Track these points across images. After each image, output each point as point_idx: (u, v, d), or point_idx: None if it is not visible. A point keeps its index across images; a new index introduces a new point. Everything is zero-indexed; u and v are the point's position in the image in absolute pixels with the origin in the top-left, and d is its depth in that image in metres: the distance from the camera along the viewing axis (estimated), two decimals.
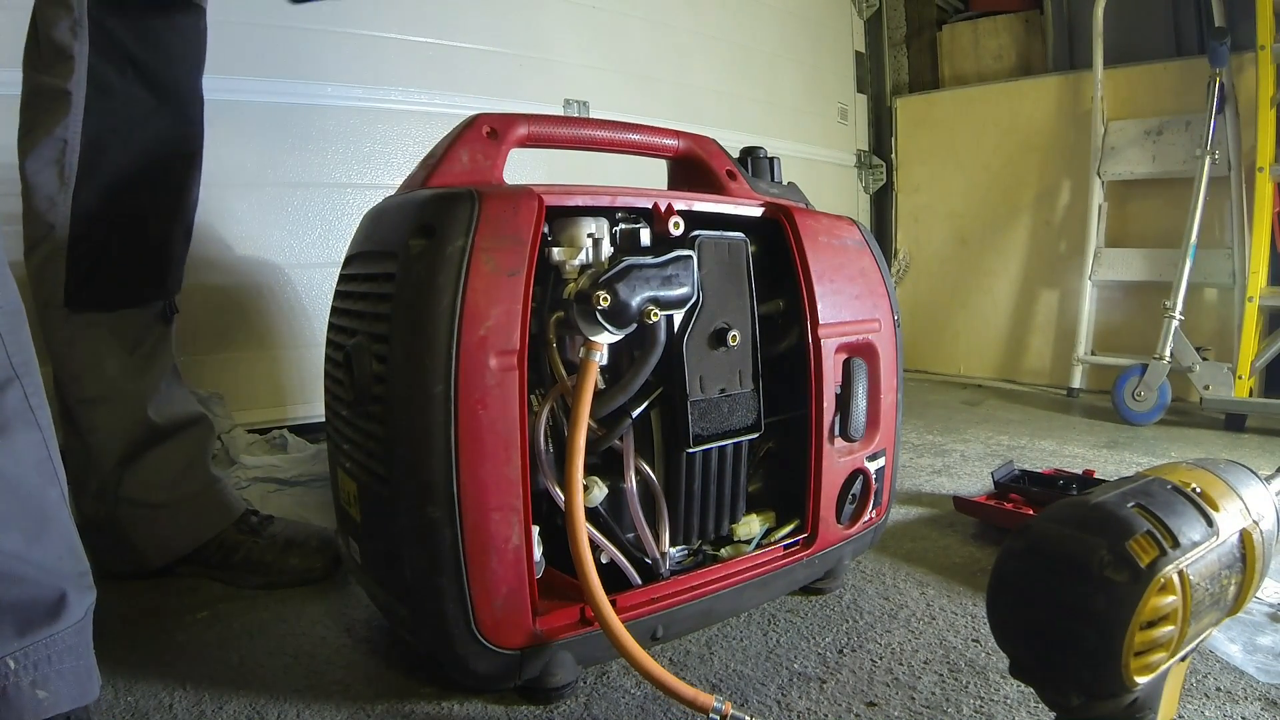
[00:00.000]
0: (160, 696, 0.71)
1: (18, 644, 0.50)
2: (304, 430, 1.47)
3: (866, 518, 0.90)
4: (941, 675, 0.74)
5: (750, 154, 0.94)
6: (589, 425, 0.71)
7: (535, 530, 0.68)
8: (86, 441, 0.92)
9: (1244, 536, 0.47)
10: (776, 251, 0.83)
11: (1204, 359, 1.92)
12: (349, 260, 0.77)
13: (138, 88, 0.88)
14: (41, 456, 0.54)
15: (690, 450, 0.74)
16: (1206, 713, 0.67)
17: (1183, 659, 0.46)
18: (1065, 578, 0.43)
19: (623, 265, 0.66)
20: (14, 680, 0.49)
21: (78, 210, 0.87)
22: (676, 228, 0.74)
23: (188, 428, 0.98)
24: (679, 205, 0.75)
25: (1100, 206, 2.31)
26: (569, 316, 0.68)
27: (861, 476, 0.88)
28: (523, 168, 1.48)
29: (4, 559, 0.50)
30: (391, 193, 0.78)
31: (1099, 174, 2.29)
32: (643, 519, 0.73)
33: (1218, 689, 0.70)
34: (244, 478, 1.16)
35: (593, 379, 0.66)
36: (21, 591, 0.51)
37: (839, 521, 0.87)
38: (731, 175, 0.88)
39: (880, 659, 0.77)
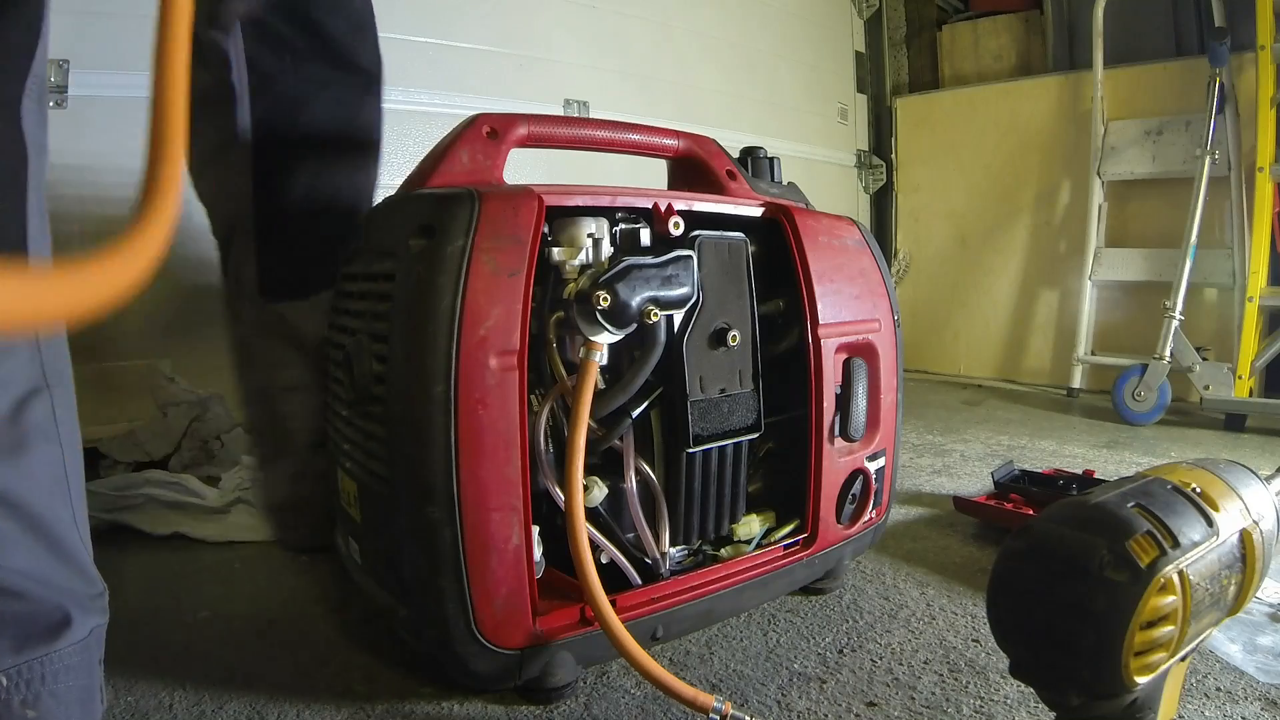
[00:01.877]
0: (160, 696, 0.71)
1: (11, 660, 0.49)
2: None
3: (866, 518, 0.90)
4: (941, 675, 0.74)
5: (750, 154, 0.94)
6: (589, 425, 0.71)
7: (535, 530, 0.68)
8: (287, 428, 0.93)
9: (1244, 536, 0.48)
10: (776, 251, 0.83)
11: (1204, 359, 1.92)
12: (349, 260, 0.77)
13: (299, 73, 0.87)
14: (57, 475, 0.52)
15: (690, 450, 0.74)
16: (1206, 713, 0.67)
17: (1183, 659, 0.46)
18: (1065, 578, 0.43)
19: (623, 265, 0.66)
20: (4, 697, 0.48)
21: (259, 198, 0.87)
22: (676, 228, 0.74)
23: None
24: (679, 205, 0.75)
25: (1100, 206, 2.31)
26: (569, 316, 0.68)
27: (861, 476, 0.88)
28: (523, 168, 1.48)
29: (4, 574, 0.49)
30: (391, 193, 0.78)
31: (1099, 174, 2.29)
32: (643, 519, 0.73)
33: (1218, 689, 0.70)
34: (246, 478, 1.16)
35: (593, 379, 0.66)
36: (21, 608, 0.49)
37: (839, 521, 0.87)
38: (731, 175, 0.88)
39: (880, 659, 0.77)
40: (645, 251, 0.71)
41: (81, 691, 0.52)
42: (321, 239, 0.90)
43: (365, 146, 0.95)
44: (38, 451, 0.50)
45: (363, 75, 0.92)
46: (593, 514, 0.71)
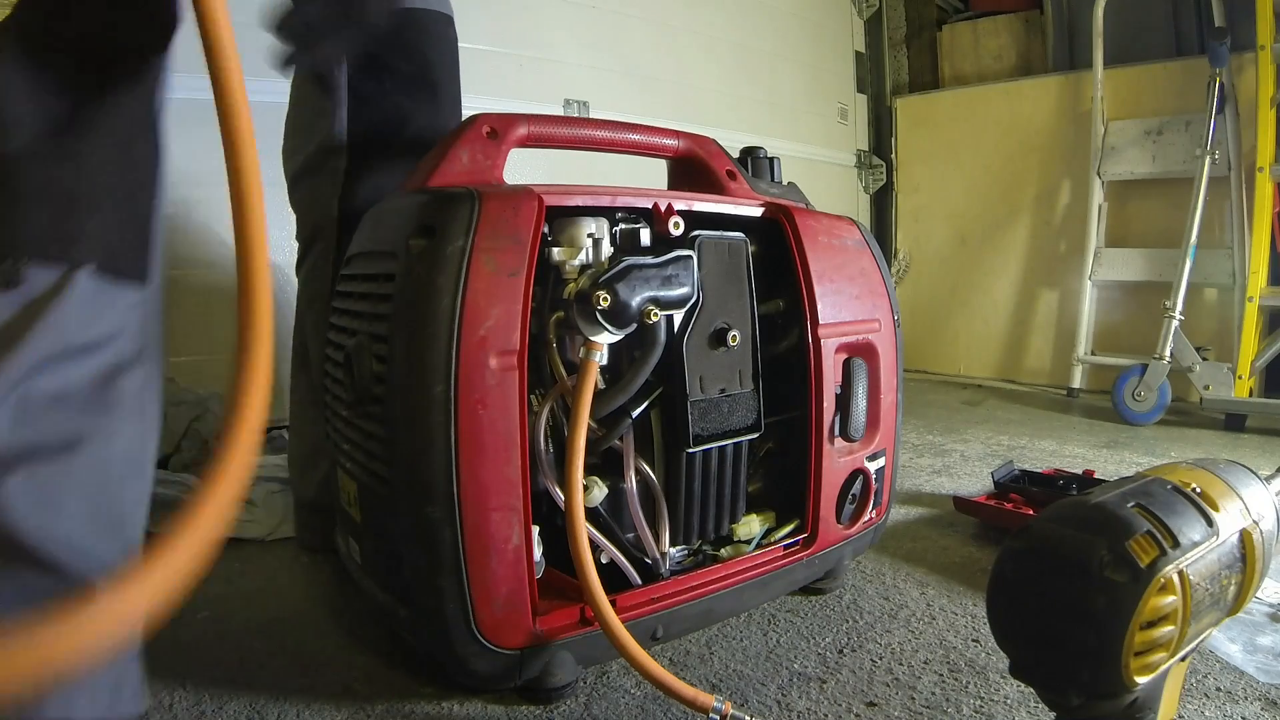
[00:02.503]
0: (160, 696, 0.71)
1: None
2: None
3: (866, 518, 0.90)
4: (941, 675, 0.74)
5: (750, 154, 0.94)
6: (589, 425, 0.71)
7: (535, 530, 0.67)
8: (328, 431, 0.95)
9: (1244, 536, 0.48)
10: (776, 251, 0.83)
11: (1204, 359, 1.92)
12: (349, 260, 0.77)
13: (396, 94, 0.93)
14: (134, 454, 0.51)
15: (690, 450, 0.74)
16: (1206, 713, 0.67)
17: (1183, 659, 0.46)
18: (1065, 578, 0.43)
19: (623, 265, 0.66)
20: None
21: (345, 209, 0.93)
22: (676, 228, 0.74)
23: None
24: (679, 205, 0.75)
25: (1100, 206, 2.31)
26: (569, 316, 0.68)
27: (861, 476, 0.88)
28: (523, 168, 1.48)
29: (48, 540, 0.46)
30: (392, 192, 0.78)
31: (1099, 174, 2.29)
32: (643, 519, 0.73)
33: (1218, 689, 0.70)
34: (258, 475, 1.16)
35: (593, 379, 0.66)
36: (48, 583, 0.47)
37: (839, 521, 0.87)
38: (731, 175, 0.88)
39: (880, 659, 0.77)
40: (645, 251, 0.71)
41: (111, 680, 0.50)
42: None
43: None
44: (123, 422, 0.49)
45: (449, 96, 1.00)
46: (593, 514, 0.71)
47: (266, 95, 0.97)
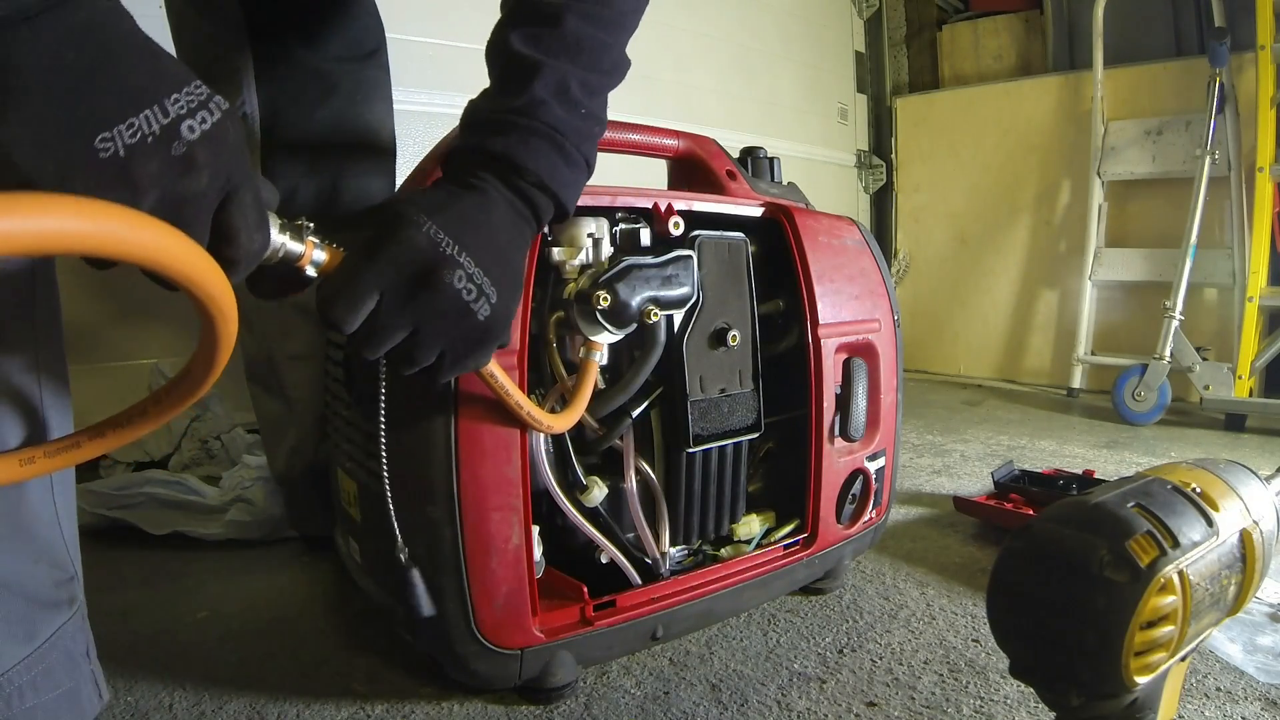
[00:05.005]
0: (160, 696, 0.71)
1: None
2: None
3: (866, 518, 0.90)
4: (941, 675, 0.74)
5: (750, 154, 0.94)
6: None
7: (535, 530, 0.68)
8: (289, 397, 0.93)
9: (1244, 536, 0.48)
10: (776, 251, 0.83)
11: (1204, 359, 1.92)
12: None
13: (303, 70, 0.89)
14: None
15: (690, 450, 0.74)
16: (1206, 713, 0.67)
17: (1183, 659, 0.46)
18: (1065, 578, 0.43)
19: (623, 265, 0.66)
20: None
21: (268, 173, 0.89)
22: (676, 228, 0.74)
23: None
24: (679, 205, 0.75)
25: (1100, 206, 2.31)
26: (569, 316, 0.68)
27: (861, 476, 0.88)
28: None
29: None
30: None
31: (1099, 174, 2.29)
32: (643, 519, 0.73)
33: (1218, 689, 0.70)
34: (246, 478, 1.16)
35: (593, 379, 0.66)
36: None
37: (839, 521, 0.87)
38: (731, 175, 0.88)
39: (880, 659, 0.77)
40: (645, 251, 0.71)
41: (68, 689, 0.48)
42: (329, 217, 0.93)
43: (377, 153, 1.00)
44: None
45: (373, 90, 0.97)
46: (593, 514, 0.71)
47: None
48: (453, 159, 0.56)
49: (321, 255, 0.47)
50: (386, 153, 0.98)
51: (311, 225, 0.46)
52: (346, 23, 0.93)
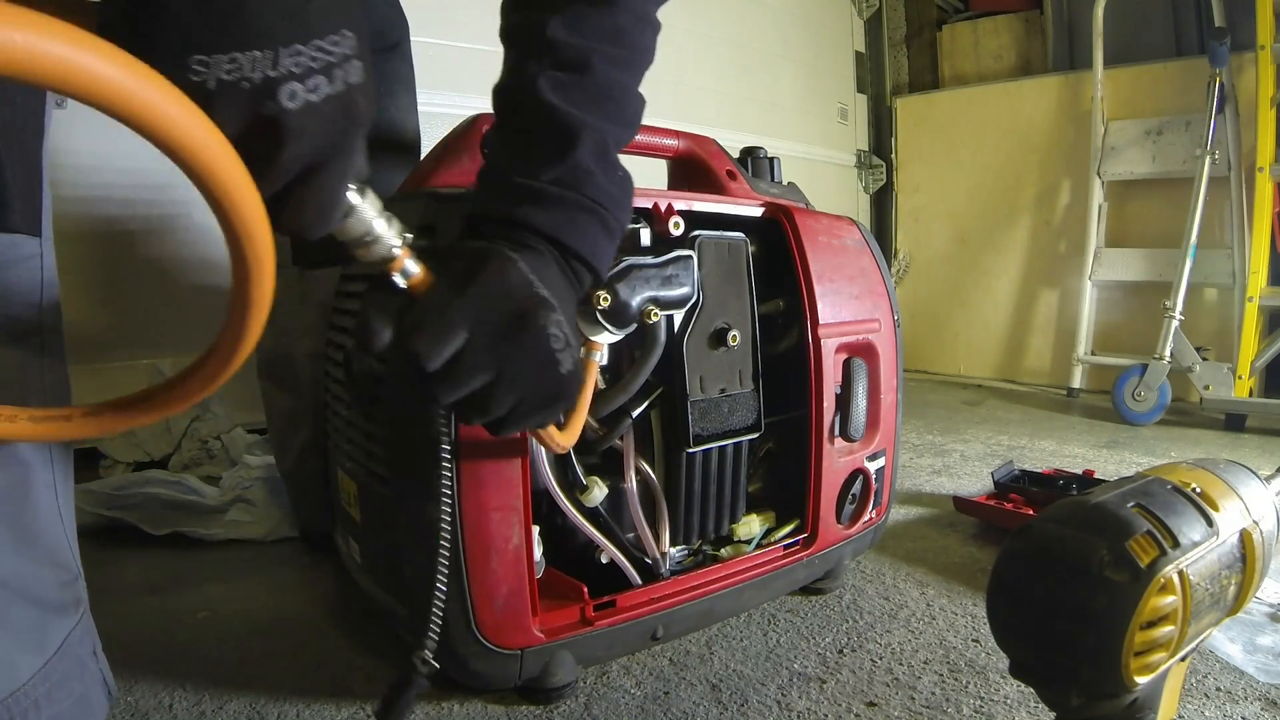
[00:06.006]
0: (160, 696, 0.71)
1: None
2: None
3: (866, 518, 0.90)
4: (941, 675, 0.74)
5: (750, 154, 0.94)
6: (590, 425, 0.71)
7: (535, 530, 0.68)
8: (304, 394, 0.92)
9: (1244, 536, 0.48)
10: (776, 251, 0.83)
11: (1204, 359, 1.92)
12: (350, 260, 0.76)
13: None
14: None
15: (690, 450, 0.74)
16: (1206, 713, 0.67)
17: (1183, 659, 0.46)
18: (1065, 578, 0.43)
19: (623, 265, 0.66)
20: None
21: None
22: (676, 228, 0.74)
23: None
24: (679, 205, 0.75)
25: (1100, 206, 2.31)
26: None
27: (861, 476, 0.88)
28: None
29: None
30: (392, 193, 0.78)
31: (1099, 174, 2.29)
32: (643, 519, 0.73)
33: (1218, 689, 0.70)
34: (246, 478, 1.16)
35: (593, 379, 0.66)
36: None
37: (839, 521, 0.87)
38: (731, 175, 0.88)
39: (880, 659, 0.77)
40: (645, 251, 0.71)
41: (77, 702, 0.46)
42: None
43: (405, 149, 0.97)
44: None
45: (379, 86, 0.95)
46: (593, 514, 0.71)
47: None
48: (492, 223, 0.52)
49: (414, 268, 0.43)
50: (410, 148, 0.96)
51: (410, 235, 0.42)
52: (366, 13, 0.92)
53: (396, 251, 0.41)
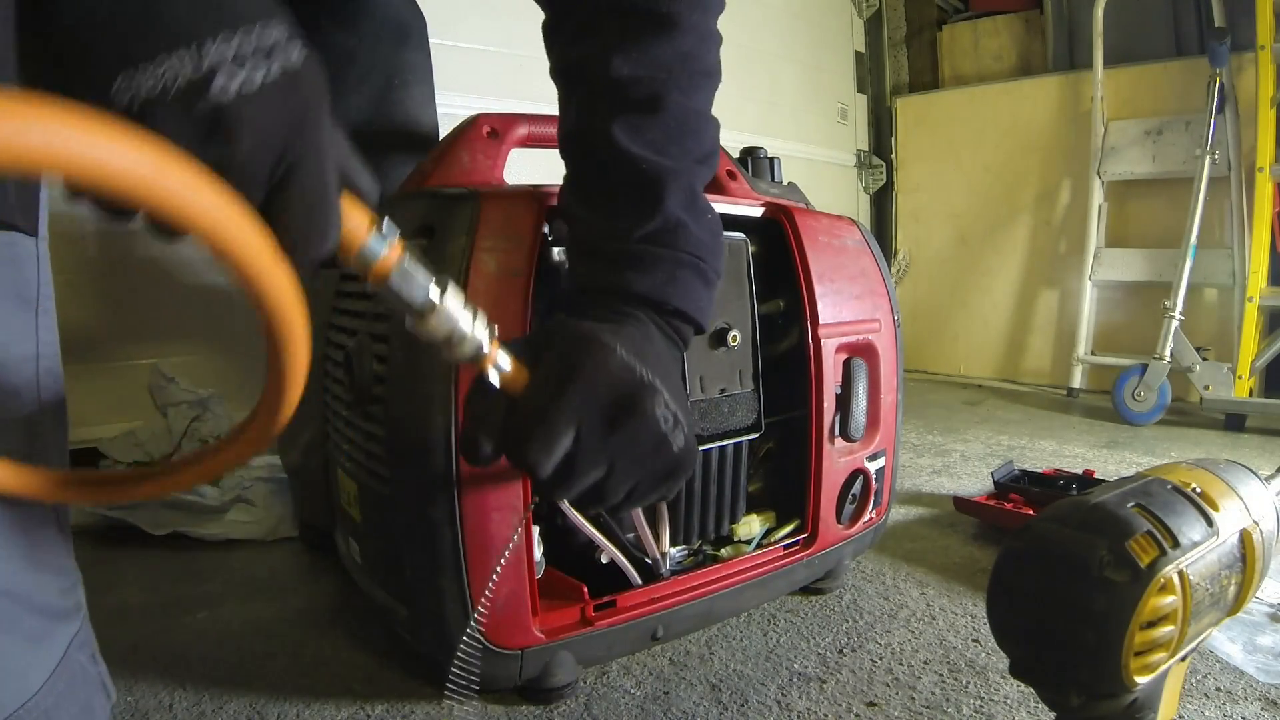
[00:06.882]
0: (160, 696, 0.71)
1: None
2: None
3: (866, 518, 0.90)
4: (941, 675, 0.74)
5: (750, 154, 0.94)
6: None
7: (535, 530, 0.67)
8: (312, 394, 0.91)
9: (1244, 536, 0.48)
10: (776, 251, 0.83)
11: (1204, 359, 1.92)
12: None
13: (338, 53, 0.84)
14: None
15: None
16: (1206, 713, 0.67)
17: (1183, 659, 0.46)
18: (1065, 578, 0.43)
19: None
20: None
21: None
22: None
23: None
24: None
25: (1100, 206, 2.31)
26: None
27: (861, 476, 0.88)
28: (523, 168, 1.49)
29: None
30: (392, 193, 0.78)
31: (1099, 174, 2.29)
32: (643, 519, 0.73)
33: (1218, 689, 0.70)
34: (246, 478, 1.16)
35: None
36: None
37: (839, 521, 0.87)
38: (732, 175, 0.88)
39: (880, 659, 0.77)
40: None
41: (82, 710, 0.45)
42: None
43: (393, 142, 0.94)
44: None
45: (399, 79, 0.93)
46: (593, 514, 0.71)
47: None
48: (590, 295, 0.50)
49: (506, 363, 0.41)
50: (428, 141, 0.94)
51: (495, 326, 0.41)
52: (383, 4, 0.90)
53: (486, 348, 0.40)
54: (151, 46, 0.27)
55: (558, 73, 0.54)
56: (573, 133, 0.53)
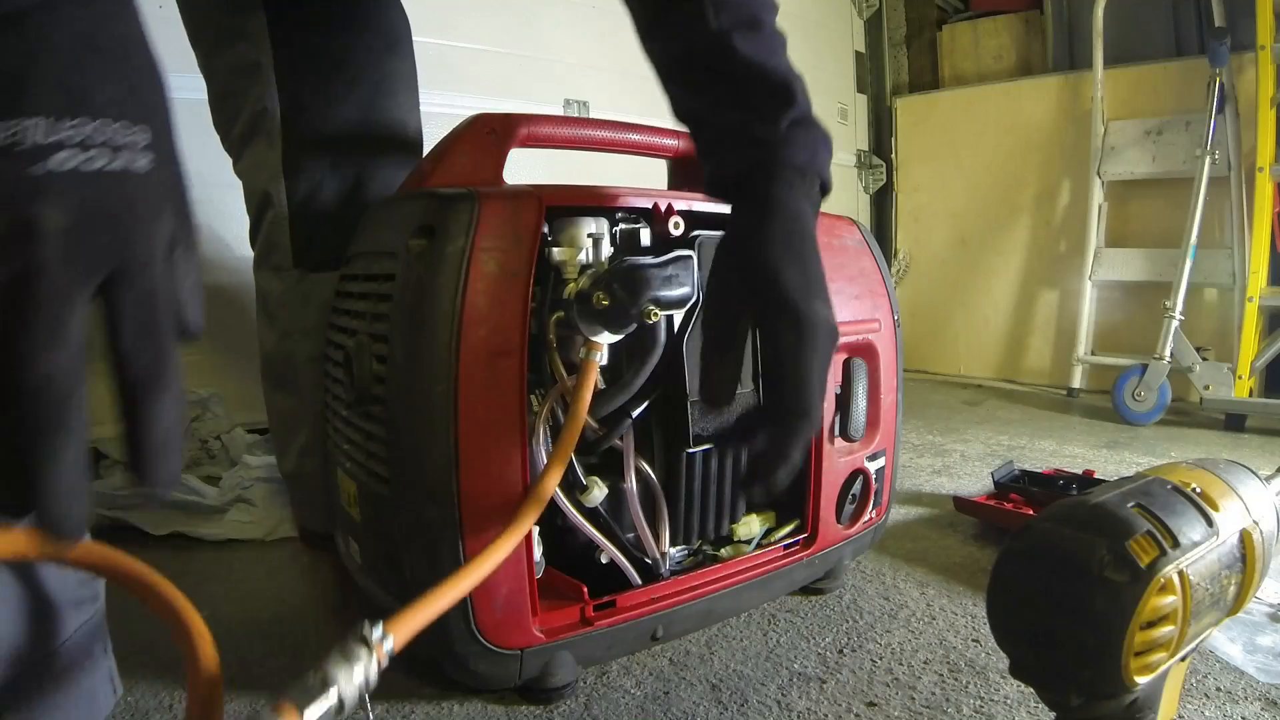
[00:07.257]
0: (160, 696, 0.71)
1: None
2: None
3: (866, 518, 0.90)
4: (941, 675, 0.74)
5: None
6: (590, 425, 0.71)
7: (535, 530, 0.67)
8: (304, 395, 0.92)
9: (1244, 536, 0.48)
10: None
11: (1204, 359, 1.92)
12: (349, 260, 0.77)
13: (327, 61, 0.86)
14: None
15: (690, 450, 0.74)
16: (1206, 713, 0.67)
17: (1183, 659, 0.46)
18: (1065, 578, 0.43)
19: (623, 265, 0.66)
20: None
21: (289, 171, 0.85)
22: (676, 228, 0.74)
23: None
24: (679, 205, 0.75)
25: (1100, 206, 2.31)
26: (569, 316, 0.68)
27: (861, 476, 0.88)
28: (523, 168, 1.49)
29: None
30: (392, 193, 0.78)
31: (1099, 174, 2.29)
32: (643, 519, 0.73)
33: (1218, 689, 0.70)
34: (246, 478, 1.16)
35: (593, 379, 0.66)
36: None
37: (839, 522, 0.87)
38: None
39: (880, 659, 0.77)
40: (645, 251, 0.71)
41: (84, 695, 0.47)
42: (354, 213, 0.90)
43: (396, 147, 0.95)
44: None
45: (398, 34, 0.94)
46: (592, 514, 0.71)
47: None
48: (758, 171, 0.61)
49: None
50: (413, 146, 0.96)
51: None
52: (370, 10, 0.91)
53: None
54: (12, 107, 0.28)
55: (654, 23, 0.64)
56: (686, 49, 0.62)
